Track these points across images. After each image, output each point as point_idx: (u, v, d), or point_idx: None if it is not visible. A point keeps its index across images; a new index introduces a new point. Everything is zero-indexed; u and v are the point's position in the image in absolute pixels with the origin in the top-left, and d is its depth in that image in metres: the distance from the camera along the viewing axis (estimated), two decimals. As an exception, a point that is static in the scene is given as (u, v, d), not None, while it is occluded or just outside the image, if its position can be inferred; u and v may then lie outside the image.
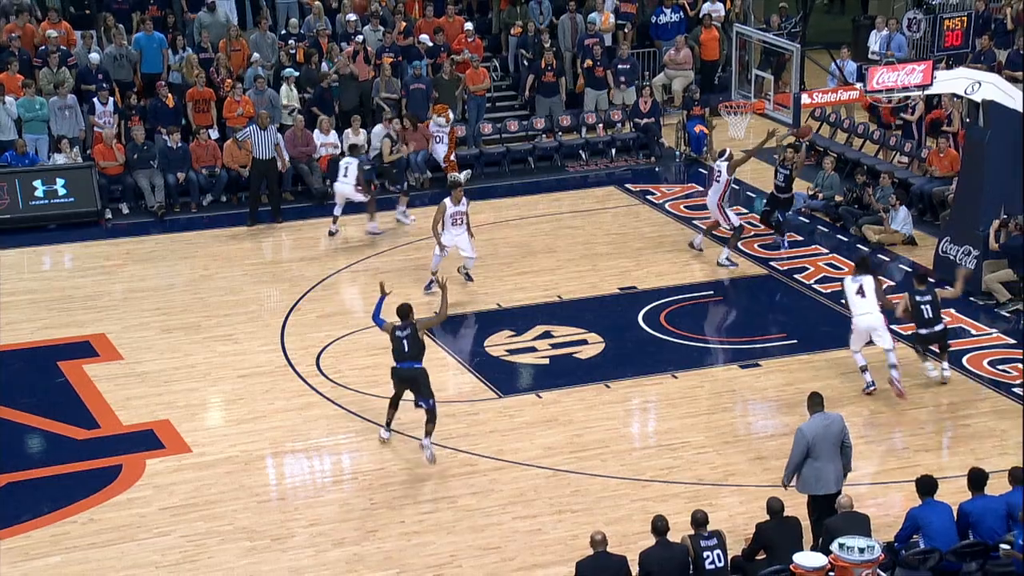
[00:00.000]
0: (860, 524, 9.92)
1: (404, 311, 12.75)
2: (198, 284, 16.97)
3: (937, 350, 14.22)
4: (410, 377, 12.65)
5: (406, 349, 12.60)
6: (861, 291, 13.93)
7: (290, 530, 11.67)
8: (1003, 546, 9.90)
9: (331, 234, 18.21)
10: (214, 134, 19.92)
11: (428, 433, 12.57)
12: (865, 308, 13.84)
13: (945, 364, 14.17)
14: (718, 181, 17.14)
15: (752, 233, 18.32)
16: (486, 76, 21.72)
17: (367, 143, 19.97)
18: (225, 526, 11.73)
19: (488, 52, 22.82)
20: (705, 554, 9.84)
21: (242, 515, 11.89)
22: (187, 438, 13.17)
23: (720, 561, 9.88)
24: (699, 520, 9.98)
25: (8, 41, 20.32)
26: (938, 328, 14.06)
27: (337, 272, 17.33)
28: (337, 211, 18.23)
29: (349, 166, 18.17)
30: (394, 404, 12.93)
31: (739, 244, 17.38)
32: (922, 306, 13.95)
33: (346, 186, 18.12)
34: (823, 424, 10.90)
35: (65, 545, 11.48)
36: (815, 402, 11.03)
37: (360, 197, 18.18)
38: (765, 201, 18.28)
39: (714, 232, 17.56)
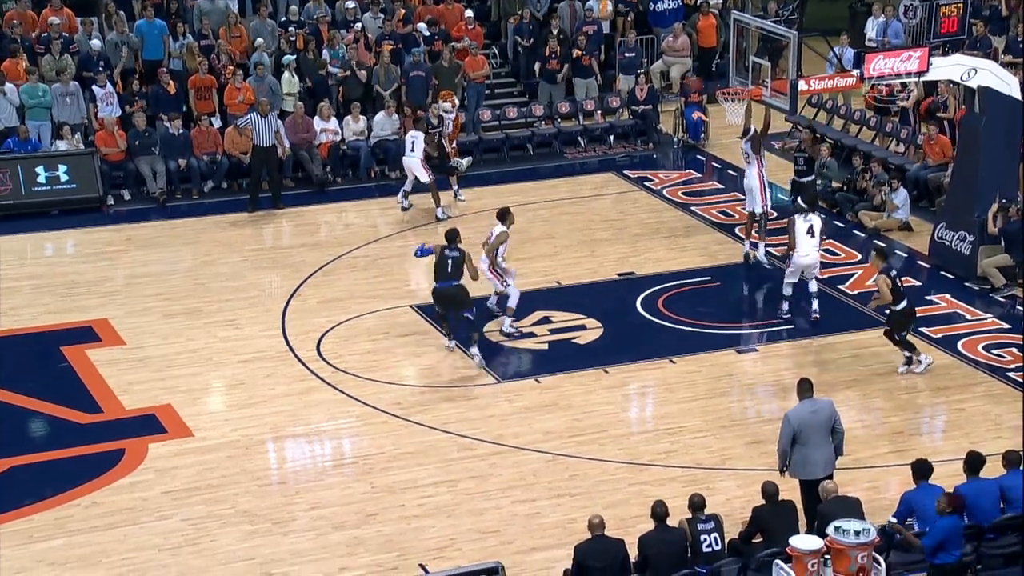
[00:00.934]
0: (851, 508, 9.92)
1: (453, 235, 14.26)
2: (199, 270, 16.94)
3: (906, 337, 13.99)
4: (452, 294, 14.12)
5: (449, 269, 14.09)
6: (811, 231, 14.71)
7: (291, 513, 11.68)
8: (891, 519, 9.94)
9: (403, 209, 18.44)
10: (216, 121, 19.87)
11: (474, 342, 13.96)
12: (809, 248, 14.67)
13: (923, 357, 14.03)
14: (748, 163, 16.97)
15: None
16: (485, 63, 21.66)
17: (368, 130, 19.93)
18: (226, 510, 11.73)
19: (487, 39, 22.75)
20: (702, 537, 9.84)
21: (243, 499, 11.90)
22: (189, 422, 13.17)
23: (717, 544, 9.89)
24: (696, 504, 9.99)
25: (10, 28, 20.24)
26: (906, 304, 13.88)
27: (338, 258, 17.31)
28: (407, 186, 18.46)
29: (416, 140, 18.35)
30: (443, 317, 14.31)
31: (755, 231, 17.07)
32: (897, 280, 13.88)
33: (413, 159, 18.27)
34: (810, 410, 10.89)
35: (68, 528, 11.49)
36: (804, 388, 11.01)
37: (424, 175, 18.23)
38: (789, 190, 17.96)
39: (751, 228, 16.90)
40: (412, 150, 18.30)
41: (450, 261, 14.01)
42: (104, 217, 18.72)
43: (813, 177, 17.86)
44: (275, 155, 18.52)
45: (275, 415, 13.34)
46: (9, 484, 12.18)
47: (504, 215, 14.92)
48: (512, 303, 14.79)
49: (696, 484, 11.70)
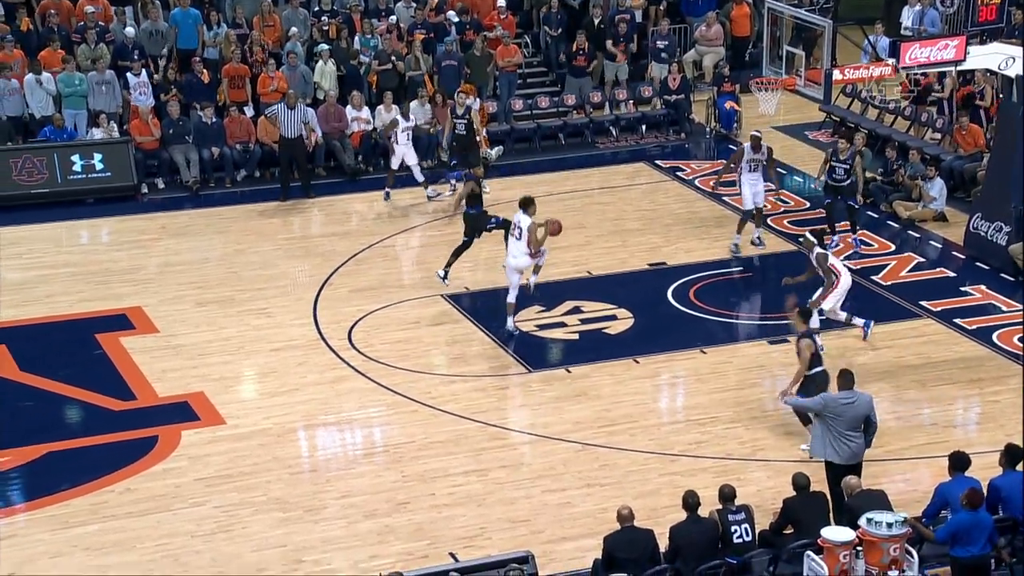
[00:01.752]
0: (878, 501, 9.85)
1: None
2: (232, 258, 17.02)
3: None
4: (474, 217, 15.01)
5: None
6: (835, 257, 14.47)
7: (322, 501, 11.72)
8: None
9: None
10: (249, 110, 19.94)
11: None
12: (846, 271, 14.29)
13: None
14: (752, 169, 16.61)
15: (781, 209, 18.17)
16: (517, 52, 21.60)
17: (400, 117, 19.93)
18: (258, 497, 11.79)
19: (519, 28, 22.70)
20: (733, 528, 9.80)
21: (275, 486, 11.95)
22: (221, 410, 13.24)
23: (748, 535, 9.84)
24: (727, 495, 9.95)
25: (47, 18, 20.38)
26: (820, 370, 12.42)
27: (369, 247, 17.34)
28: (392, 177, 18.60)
29: (409, 130, 18.59)
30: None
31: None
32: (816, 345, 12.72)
33: (406, 148, 18.49)
34: (843, 402, 10.82)
35: (103, 514, 11.59)
36: (845, 380, 10.95)
37: (415, 165, 18.51)
38: (824, 196, 16.90)
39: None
40: (407, 140, 18.48)
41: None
42: (138, 205, 18.83)
43: (849, 182, 16.76)
44: (302, 145, 18.58)
45: (306, 403, 13.39)
46: (45, 470, 12.29)
47: (527, 204, 14.58)
48: (511, 299, 14.58)
49: (727, 475, 11.65)
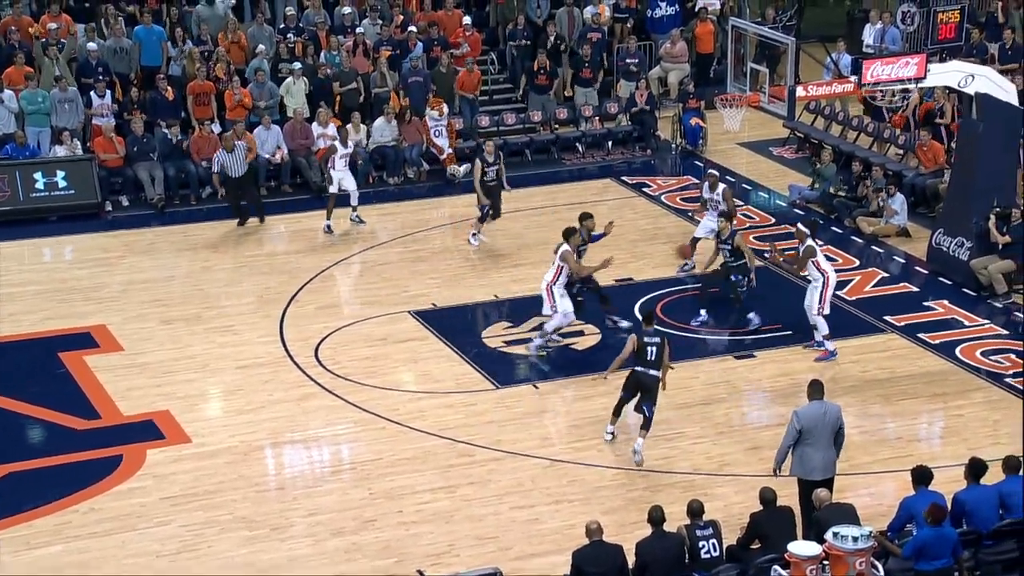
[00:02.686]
0: (847, 514, 9.92)
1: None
2: (198, 276, 16.94)
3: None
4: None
5: (650, 357, 12.67)
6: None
7: (289, 520, 11.67)
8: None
9: (352, 222, 18.30)
10: (215, 127, 19.88)
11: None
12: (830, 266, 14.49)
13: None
14: (711, 208, 16.57)
15: (747, 225, 18.30)
16: (479, 79, 21.58)
17: (367, 137, 19.93)
18: (224, 516, 11.72)
19: (486, 45, 22.77)
20: (700, 544, 9.84)
21: (241, 505, 11.89)
22: (187, 428, 13.16)
23: (715, 551, 9.88)
24: (694, 510, 9.98)
25: (8, 35, 20.25)
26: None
27: (335, 264, 17.31)
28: (353, 201, 18.30)
29: (348, 153, 18.15)
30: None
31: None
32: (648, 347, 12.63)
33: (344, 174, 18.19)
34: (819, 411, 10.90)
35: (66, 535, 11.48)
36: (815, 390, 11.03)
37: (351, 186, 18.18)
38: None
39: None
40: (344, 166, 18.07)
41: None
42: (102, 223, 18.72)
43: (742, 261, 15.37)
44: (250, 177, 18.22)
45: (273, 421, 13.33)
46: (8, 490, 12.17)
47: (568, 234, 14.43)
48: (550, 326, 14.41)
49: (694, 490, 11.70)
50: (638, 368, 12.59)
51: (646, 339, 12.58)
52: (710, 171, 16.86)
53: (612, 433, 12.93)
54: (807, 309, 14.44)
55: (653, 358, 12.51)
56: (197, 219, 18.78)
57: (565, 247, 14.46)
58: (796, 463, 10.90)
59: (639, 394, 12.63)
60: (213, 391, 14.13)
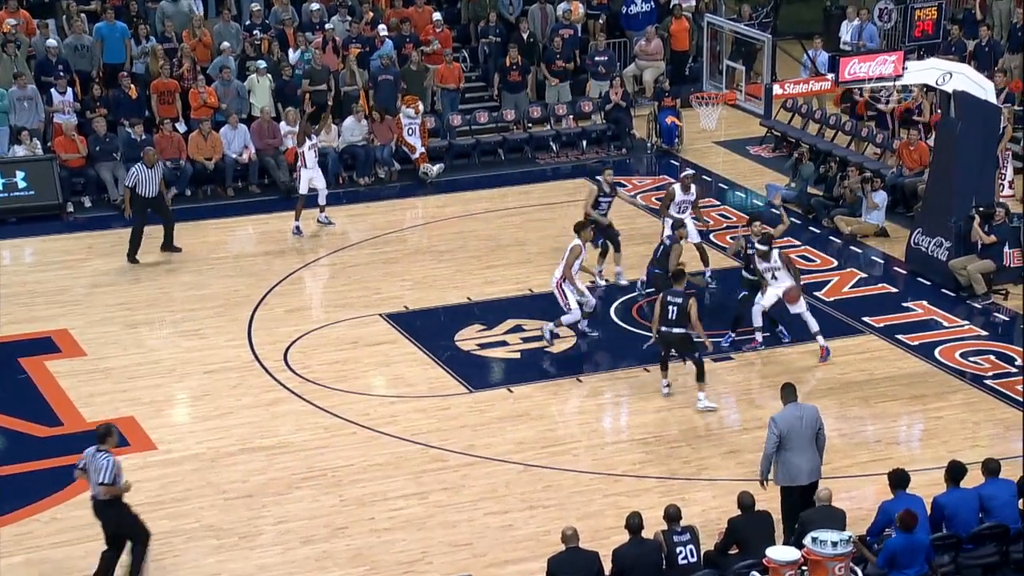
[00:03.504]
0: (835, 519, 9.97)
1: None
2: (163, 278, 16.86)
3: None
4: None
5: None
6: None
7: (258, 528, 11.62)
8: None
9: (320, 223, 18.15)
10: (180, 127, 19.79)
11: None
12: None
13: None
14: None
15: (724, 225, 18.38)
16: (461, 74, 21.59)
17: (338, 136, 19.88)
18: (191, 524, 11.66)
19: (457, 43, 22.77)
20: (678, 549, 9.87)
21: (208, 513, 11.83)
22: (152, 435, 13.09)
23: (693, 556, 9.91)
24: (672, 515, 10.01)
25: (-35, 31, 20.10)
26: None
27: (305, 266, 17.26)
28: (321, 199, 18.13)
29: (316, 148, 17.91)
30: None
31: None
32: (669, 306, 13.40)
33: (314, 172, 18.02)
34: (796, 415, 10.94)
35: (28, 545, 11.39)
36: (788, 393, 11.07)
37: (321, 186, 18.09)
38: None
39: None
40: (314, 160, 17.88)
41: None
42: (64, 225, 18.59)
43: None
44: (162, 203, 17.48)
45: (241, 427, 13.28)
46: (-33, 500, 12.07)
47: (579, 229, 14.62)
48: (567, 320, 14.63)
49: (671, 495, 11.73)
50: (663, 328, 13.49)
51: (669, 298, 13.48)
52: (685, 173, 16.85)
53: (667, 386, 13.75)
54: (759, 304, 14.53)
55: (674, 317, 13.39)
56: (161, 220, 18.63)
57: (575, 241, 14.55)
58: (781, 471, 10.90)
59: (675, 350, 13.59)
60: (179, 396, 14.07)
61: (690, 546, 9.91)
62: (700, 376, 13.50)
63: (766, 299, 14.54)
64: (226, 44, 20.62)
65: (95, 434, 10.78)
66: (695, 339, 13.56)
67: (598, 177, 16.83)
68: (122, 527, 10.63)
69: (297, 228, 18.03)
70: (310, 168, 17.98)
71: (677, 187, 16.45)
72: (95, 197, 19.23)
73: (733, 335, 14.87)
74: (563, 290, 14.67)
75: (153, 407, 13.65)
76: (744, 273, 14.95)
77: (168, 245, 17.57)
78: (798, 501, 10.71)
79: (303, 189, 18.05)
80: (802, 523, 9.94)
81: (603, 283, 16.31)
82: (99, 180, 19.16)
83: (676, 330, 13.42)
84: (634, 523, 9.84)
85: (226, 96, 19.99)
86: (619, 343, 15.12)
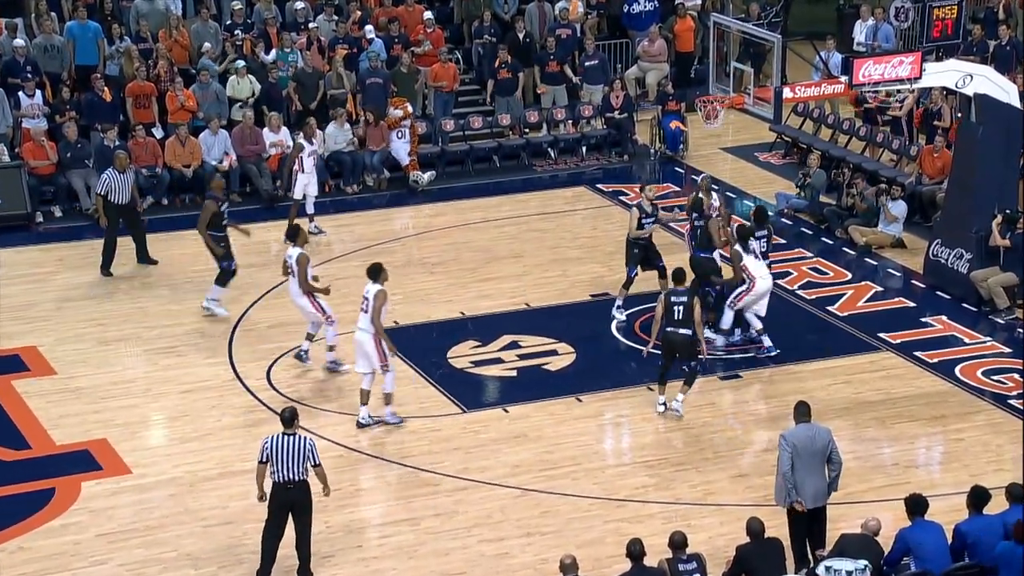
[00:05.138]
0: (868, 549, 9.96)
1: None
2: (138, 292, 16.87)
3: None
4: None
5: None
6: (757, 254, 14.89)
7: (238, 556, 11.62)
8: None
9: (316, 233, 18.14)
10: (158, 132, 19.82)
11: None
12: (766, 271, 14.91)
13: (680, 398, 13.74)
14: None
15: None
16: (456, 74, 21.65)
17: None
18: (168, 553, 11.66)
19: (450, 43, 22.83)
20: (684, 578, 9.87)
21: (186, 541, 11.83)
22: (126, 458, 13.08)
23: (700, 586, 9.92)
24: (677, 542, 10.02)
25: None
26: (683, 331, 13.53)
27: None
28: (309, 208, 18.13)
29: (313, 153, 17.92)
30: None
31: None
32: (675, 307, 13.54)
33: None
34: (807, 435, 10.96)
35: (-7, 575, 11.39)
36: (801, 412, 11.10)
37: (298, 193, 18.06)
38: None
39: None
40: (312, 166, 18.05)
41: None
42: (33, 236, 18.61)
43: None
44: (135, 212, 17.56)
45: (221, 449, 13.28)
46: (-71, 527, 12.06)
47: (376, 272, 13.55)
48: (389, 387, 13.56)
49: (677, 521, 11.74)
50: (668, 328, 13.49)
51: (674, 299, 13.51)
52: (704, 176, 16.80)
53: (664, 404, 13.69)
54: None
55: (680, 317, 13.40)
56: (131, 232, 18.63)
57: (377, 287, 13.36)
58: (781, 492, 10.91)
59: (676, 356, 13.51)
60: (155, 417, 14.07)
61: (696, 575, 9.91)
62: (689, 381, 13.62)
63: (757, 307, 14.79)
64: (207, 45, 20.67)
65: (281, 418, 11.19)
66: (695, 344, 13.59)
67: (638, 201, 15.98)
68: (307, 515, 11.13)
69: (316, 228, 18.21)
70: (308, 172, 18.08)
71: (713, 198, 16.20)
72: (66, 206, 19.26)
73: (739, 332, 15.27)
74: (381, 349, 13.39)
75: (127, 429, 13.64)
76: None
77: (143, 257, 17.57)
78: (804, 526, 10.72)
79: (298, 195, 18.13)
80: (837, 544, 9.94)
81: (622, 317, 15.89)
82: (70, 188, 19.18)
83: (682, 331, 13.45)
84: (636, 551, 9.85)
85: (205, 99, 20.03)
86: (621, 361, 15.13)
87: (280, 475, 10.99)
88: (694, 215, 15.80)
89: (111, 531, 11.96)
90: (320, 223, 18.65)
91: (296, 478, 10.95)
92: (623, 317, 15.98)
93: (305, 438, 11.06)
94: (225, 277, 16.13)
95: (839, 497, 11.93)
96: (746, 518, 10.40)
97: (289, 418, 11.16)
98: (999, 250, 16.08)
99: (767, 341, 15.05)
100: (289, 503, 11.03)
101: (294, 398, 14.17)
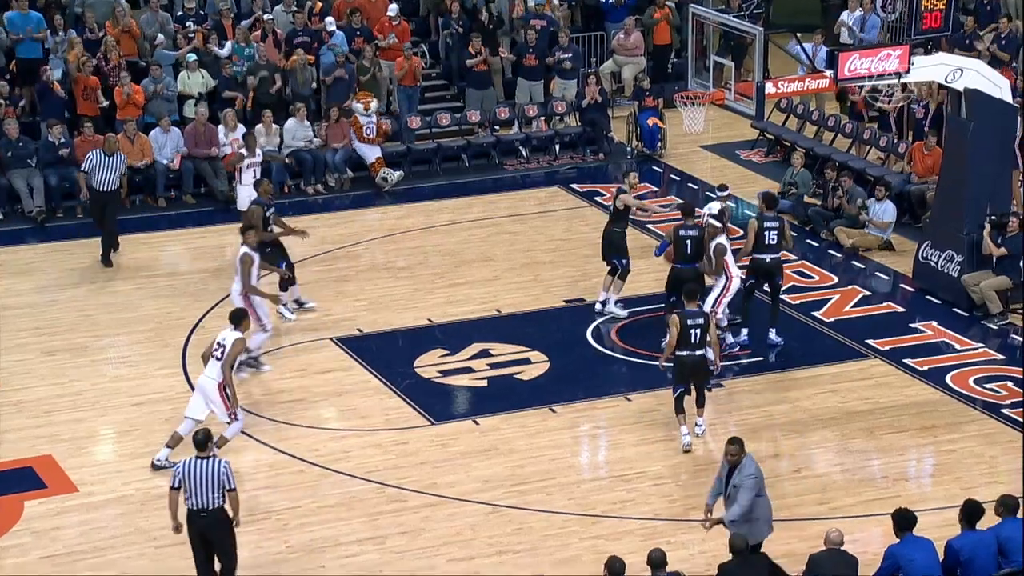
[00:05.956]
0: (847, 565, 10.01)
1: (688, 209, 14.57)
2: (85, 300, 16.79)
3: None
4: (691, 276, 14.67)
5: (689, 251, 14.81)
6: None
7: (193, 579, 11.56)
8: None
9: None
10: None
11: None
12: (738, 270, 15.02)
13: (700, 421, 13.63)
14: None
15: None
16: (419, 64, 21.64)
17: (280, 139, 19.86)
18: (117, 576, 11.60)
19: (416, 36, 22.84)
20: (664, 598, 9.89)
21: (137, 562, 11.77)
22: (73, 476, 13.01)
23: (680, 605, 9.94)
24: (656, 560, 10.04)
25: None
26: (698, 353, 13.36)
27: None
28: None
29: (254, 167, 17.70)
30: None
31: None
32: (691, 329, 13.24)
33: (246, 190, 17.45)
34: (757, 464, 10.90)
35: (-70, 602, 11.31)
36: (738, 447, 10.89)
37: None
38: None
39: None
40: (252, 179, 17.12)
41: (688, 242, 13.81)
42: (-28, 240, 18.54)
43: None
44: (116, 200, 17.66)
45: (174, 466, 13.19)
46: None
47: (239, 319, 13.21)
48: (230, 434, 13.06)
49: (656, 538, 11.76)
50: (682, 352, 13.16)
51: (690, 321, 13.12)
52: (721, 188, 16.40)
53: (687, 435, 13.32)
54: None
55: (697, 340, 13.11)
56: (84, 234, 18.58)
57: (237, 334, 13.01)
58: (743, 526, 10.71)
59: (693, 381, 13.24)
60: (104, 432, 14.00)
61: (677, 594, 9.94)
62: (700, 401, 13.55)
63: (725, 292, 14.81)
64: (161, 37, 20.59)
65: (194, 440, 10.89)
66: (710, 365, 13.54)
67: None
68: (227, 545, 10.82)
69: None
70: (246, 184, 17.42)
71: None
72: (7, 208, 19.17)
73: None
74: (227, 396, 12.87)
75: (74, 444, 13.57)
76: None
77: (106, 257, 17.51)
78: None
79: (242, 206, 17.56)
80: (809, 565, 9.97)
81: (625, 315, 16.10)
82: (11, 190, 19.08)
83: (699, 352, 13.22)
84: (615, 569, 9.86)
85: (154, 95, 19.93)
86: (597, 369, 15.16)
87: (193, 502, 10.71)
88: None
89: (56, 553, 11.88)
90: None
91: (210, 505, 10.64)
92: (625, 314, 16.04)
93: (220, 460, 10.76)
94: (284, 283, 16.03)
95: (825, 512, 12.02)
96: (727, 535, 10.43)
97: (202, 440, 10.84)
98: (989, 252, 16.18)
99: (737, 337, 15.27)
100: (204, 532, 10.74)
101: (252, 410, 14.12)
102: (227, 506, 10.77)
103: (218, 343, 12.93)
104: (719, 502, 10.91)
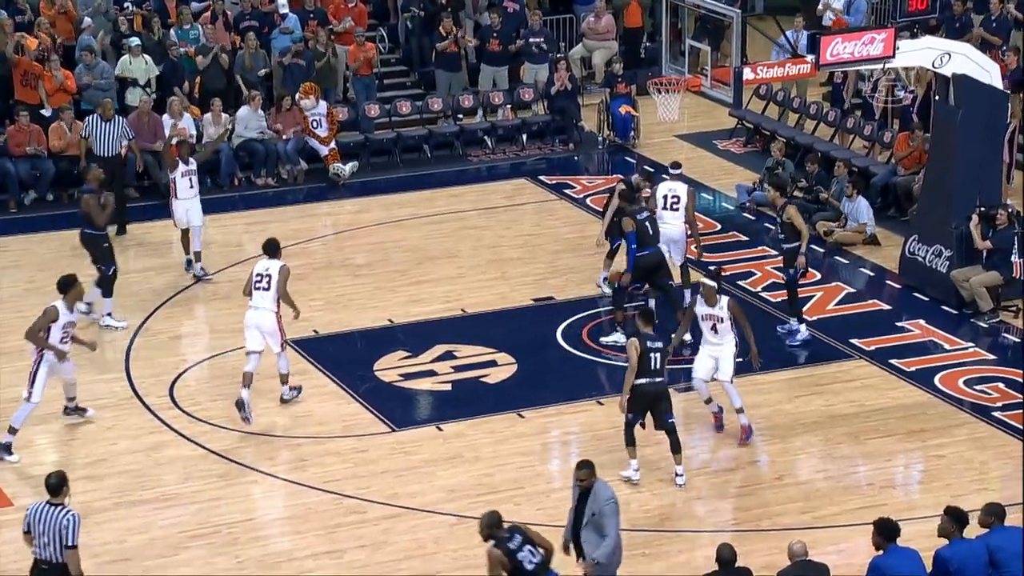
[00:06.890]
0: (818, 573, 10.06)
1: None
2: (20, 300, 16.68)
3: None
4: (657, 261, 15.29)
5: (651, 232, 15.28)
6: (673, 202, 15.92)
7: (139, 597, 11.53)
8: None
9: (197, 279, 17.31)
10: (47, 115, 19.57)
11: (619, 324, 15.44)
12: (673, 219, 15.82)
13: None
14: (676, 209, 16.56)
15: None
16: (373, 50, 21.62)
17: (230, 127, 19.75)
18: (58, 594, 11.51)
19: (374, 19, 22.80)
20: (641, 613, 9.89)
21: (78, 580, 11.70)
22: (8, 490, 12.94)
23: (658, 621, 9.95)
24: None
25: None
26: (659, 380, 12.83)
27: (194, 284, 17.15)
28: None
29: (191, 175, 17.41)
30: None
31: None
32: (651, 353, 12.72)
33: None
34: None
35: None
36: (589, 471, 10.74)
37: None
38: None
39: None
40: (193, 189, 16.98)
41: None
42: None
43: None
44: (120, 167, 17.92)
45: (118, 476, 13.17)
46: None
47: (274, 249, 14.07)
48: (286, 367, 13.97)
49: (631, 549, 11.77)
50: (641, 380, 12.58)
51: (649, 343, 12.60)
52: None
53: (636, 470, 12.96)
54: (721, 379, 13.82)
55: (658, 366, 12.61)
56: (18, 230, 18.52)
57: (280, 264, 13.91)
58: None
59: (650, 411, 12.75)
60: (41, 441, 13.89)
61: (654, 609, 9.94)
62: (676, 447, 12.91)
63: (700, 368, 13.68)
64: (88, 21, 20.45)
65: (46, 484, 10.19)
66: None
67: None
68: None
69: (189, 262, 17.28)
70: (182, 199, 16.98)
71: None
72: (-64, 203, 19.02)
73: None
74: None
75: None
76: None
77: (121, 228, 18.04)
78: None
79: (180, 222, 17.14)
80: (785, 581, 10.02)
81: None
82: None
83: (659, 380, 12.65)
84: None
85: (88, 80, 19.77)
86: (568, 372, 15.18)
87: (39, 552, 9.99)
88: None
89: (-8, 571, 11.80)
90: (227, 222, 18.49)
91: (53, 559, 9.87)
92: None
93: (67, 511, 9.93)
94: (108, 283, 15.87)
95: (808, 521, 12.07)
96: (707, 546, 10.47)
97: (56, 485, 10.04)
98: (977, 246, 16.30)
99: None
100: None
101: (200, 417, 14.08)
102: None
103: (258, 274, 13.70)
104: (586, 535, 10.57)
